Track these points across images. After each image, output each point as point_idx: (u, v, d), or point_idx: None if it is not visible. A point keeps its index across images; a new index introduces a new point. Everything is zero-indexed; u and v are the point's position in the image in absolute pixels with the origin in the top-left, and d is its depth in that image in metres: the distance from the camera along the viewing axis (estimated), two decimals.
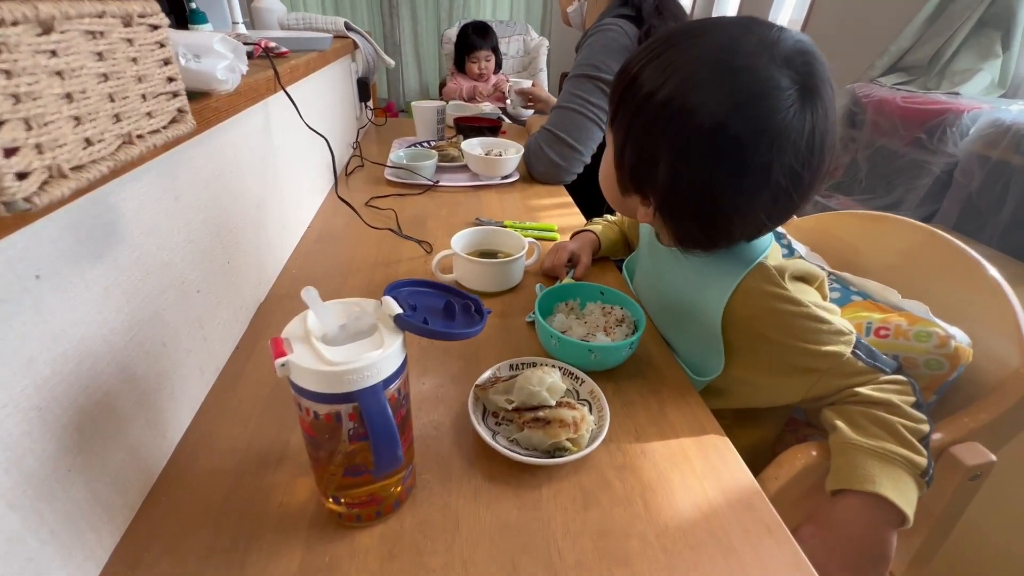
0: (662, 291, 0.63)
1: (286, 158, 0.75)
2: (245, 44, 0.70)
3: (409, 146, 1.22)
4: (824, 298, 0.54)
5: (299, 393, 0.31)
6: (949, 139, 1.72)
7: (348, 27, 1.22)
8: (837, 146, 0.45)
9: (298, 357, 0.30)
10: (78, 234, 0.33)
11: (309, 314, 0.33)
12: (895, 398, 0.47)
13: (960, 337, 0.52)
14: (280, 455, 0.44)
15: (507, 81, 2.03)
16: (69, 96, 0.24)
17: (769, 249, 0.52)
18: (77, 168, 0.24)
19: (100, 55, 0.26)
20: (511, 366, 0.52)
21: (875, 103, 1.96)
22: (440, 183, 1.05)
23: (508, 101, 1.71)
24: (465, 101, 2.05)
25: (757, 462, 0.61)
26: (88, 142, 0.25)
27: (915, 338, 0.53)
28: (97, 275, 0.35)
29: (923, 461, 0.44)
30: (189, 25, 0.95)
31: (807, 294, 0.51)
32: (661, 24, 0.99)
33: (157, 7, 0.31)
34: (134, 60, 0.29)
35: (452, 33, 2.22)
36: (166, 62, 0.32)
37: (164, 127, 0.32)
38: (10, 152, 0.21)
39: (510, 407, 0.46)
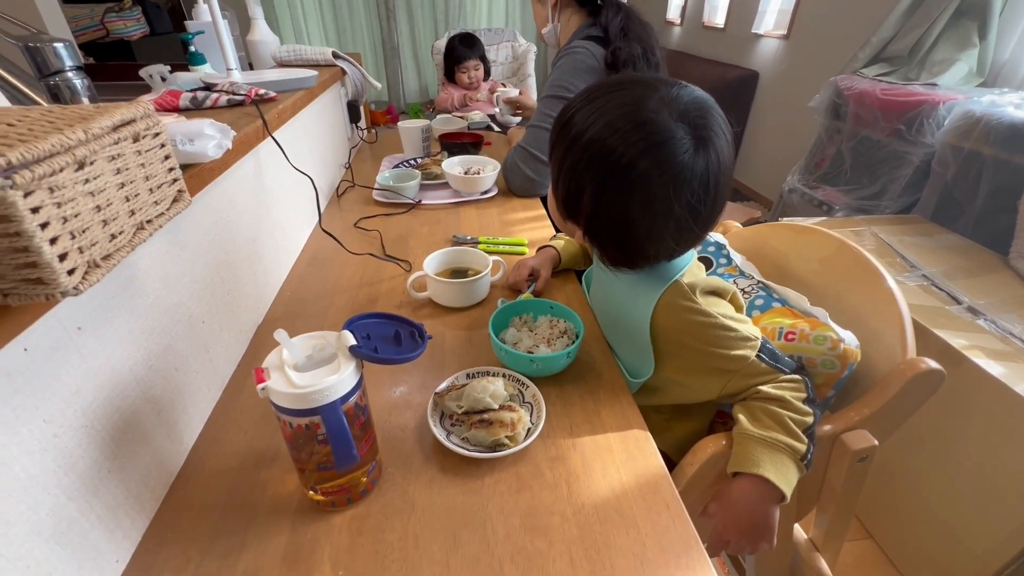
0: (606, 303, 0.72)
1: (277, 194, 0.85)
2: (236, 95, 0.80)
3: (396, 165, 1.31)
4: (739, 308, 0.63)
5: (277, 409, 0.41)
6: (927, 130, 1.75)
7: (336, 55, 1.31)
8: (730, 186, 0.53)
9: (274, 383, 0.40)
10: (107, 293, 0.43)
11: (283, 348, 0.42)
12: (788, 395, 0.56)
13: (849, 340, 0.60)
14: (273, 455, 0.54)
15: (499, 86, 2.12)
16: (98, 207, 0.34)
17: (687, 267, 0.61)
18: (107, 257, 0.34)
19: (118, 170, 0.36)
20: (467, 375, 0.62)
21: (856, 95, 2.00)
22: (423, 202, 1.14)
23: (497, 109, 1.80)
24: (458, 109, 2.14)
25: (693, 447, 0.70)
26: (113, 236, 0.35)
27: (814, 341, 0.61)
28: (122, 321, 0.45)
29: (802, 447, 0.53)
30: (190, 67, 1.06)
31: (718, 306, 0.59)
32: (626, 46, 1.06)
33: (158, 118, 0.40)
34: (143, 165, 0.38)
35: (441, 44, 2.30)
36: (166, 157, 0.42)
37: (167, 209, 0.41)
38: (62, 257, 0.31)
39: (460, 411, 0.55)
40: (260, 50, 1.27)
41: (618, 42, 1.06)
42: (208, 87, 0.82)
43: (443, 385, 0.60)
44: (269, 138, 0.77)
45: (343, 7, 3.93)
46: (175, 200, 0.43)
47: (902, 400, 0.56)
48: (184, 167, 0.51)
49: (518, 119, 1.82)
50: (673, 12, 3.75)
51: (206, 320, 0.59)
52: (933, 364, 0.55)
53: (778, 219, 2.36)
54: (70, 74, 0.75)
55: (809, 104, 2.19)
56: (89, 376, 0.41)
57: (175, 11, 3.49)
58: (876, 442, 0.56)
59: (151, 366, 0.48)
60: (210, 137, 0.50)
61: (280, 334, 0.41)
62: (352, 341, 0.43)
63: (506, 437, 0.53)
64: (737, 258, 0.78)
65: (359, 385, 0.43)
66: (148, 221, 0.39)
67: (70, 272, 0.31)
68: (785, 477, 0.52)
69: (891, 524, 1.17)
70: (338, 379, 0.40)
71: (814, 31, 2.60)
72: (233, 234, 0.68)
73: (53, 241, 0.30)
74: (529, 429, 0.55)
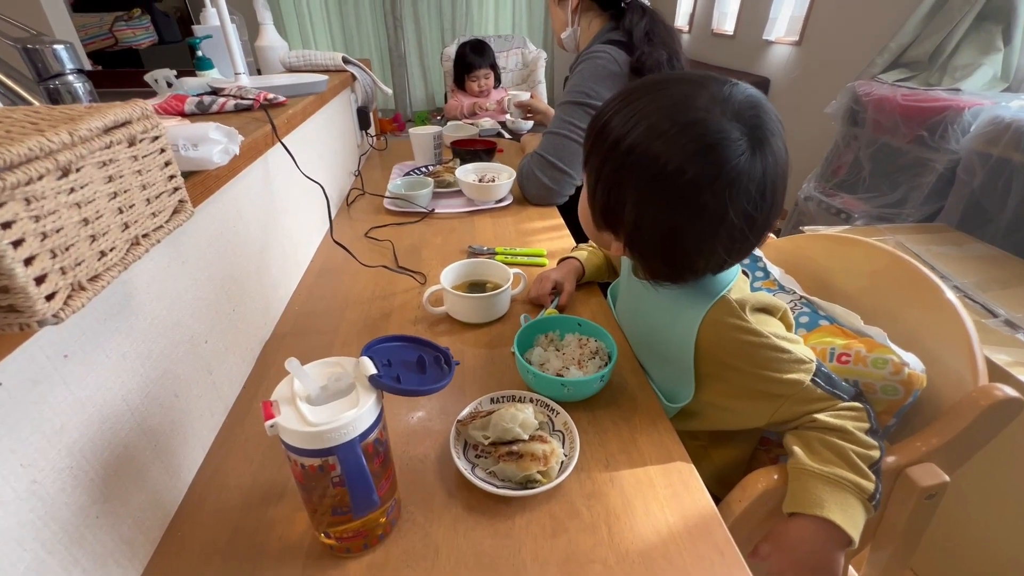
0: (638, 321, 0.67)
1: (287, 202, 0.80)
2: (243, 99, 0.76)
3: (407, 173, 1.27)
4: (789, 327, 0.58)
5: (287, 448, 0.36)
6: (951, 136, 1.70)
7: (346, 60, 1.28)
8: (786, 190, 0.49)
9: (284, 419, 0.35)
10: (98, 315, 0.38)
11: (295, 378, 0.37)
12: (850, 424, 0.50)
13: (914, 364, 0.55)
14: (281, 490, 0.49)
15: (507, 94, 2.08)
16: (85, 220, 0.29)
17: (734, 282, 0.56)
18: (95, 278, 0.30)
19: (110, 178, 0.31)
20: (492, 399, 0.57)
21: (875, 101, 1.95)
22: (436, 210, 1.10)
23: (508, 115, 1.76)
24: (467, 116, 2.10)
25: (732, 478, 0.64)
26: (102, 253, 0.30)
27: (873, 364, 0.55)
28: (115, 345, 0.40)
29: (870, 486, 0.47)
30: (197, 72, 1.02)
31: (768, 325, 0.54)
32: (651, 51, 1.02)
33: (157, 119, 0.36)
34: (139, 172, 0.34)
35: (451, 51, 2.27)
36: (167, 163, 0.37)
37: (167, 221, 0.37)
38: (40, 280, 0.26)
39: (487, 442, 0.50)
40: (269, 55, 1.23)
41: (643, 47, 1.02)
42: (215, 91, 0.79)
43: (466, 411, 0.55)
44: (278, 144, 0.73)
45: (350, 15, 3.93)
46: (176, 211, 0.39)
47: (975, 431, 0.51)
48: (186, 175, 0.47)
49: (530, 124, 1.78)
50: (681, 19, 3.72)
51: (209, 340, 0.54)
52: (1011, 392, 0.50)
53: (795, 227, 2.31)
54: (70, 77, 0.71)
55: (825, 110, 2.14)
56: (76, 409, 0.36)
57: (184, 20, 3.50)
58: (947, 478, 0.51)
59: (147, 394, 0.44)
60: (215, 142, 0.46)
61: (292, 363, 0.36)
62: (372, 370, 0.38)
63: (538, 472, 0.47)
64: (775, 271, 0.73)
65: (379, 419, 0.39)
66: (144, 235, 0.34)
67: (49, 297, 0.26)
68: (852, 519, 0.46)
69: (936, 556, 1.10)
70: (357, 414, 0.35)
71: (827, 37, 2.56)
72: (239, 246, 0.63)
73: (28, 261, 0.25)
74: (562, 462, 0.50)
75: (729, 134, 0.44)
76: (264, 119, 0.71)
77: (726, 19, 3.24)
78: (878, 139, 1.99)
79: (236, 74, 0.90)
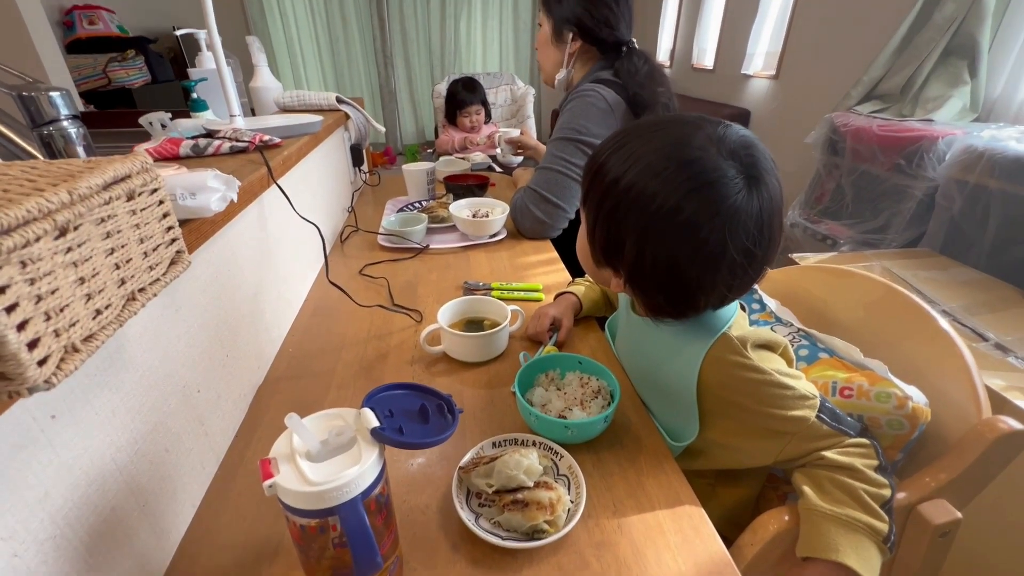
0: (639, 357, 0.66)
1: (281, 243, 0.80)
2: (239, 141, 0.76)
3: (401, 208, 1.28)
4: (790, 363, 0.57)
5: (286, 509, 0.34)
6: (927, 164, 1.76)
7: (339, 100, 1.30)
8: (784, 227, 0.49)
9: (283, 479, 0.33)
10: (88, 370, 0.37)
11: (293, 433, 0.36)
12: (858, 462, 0.50)
13: (917, 397, 0.54)
14: (275, 548, 0.46)
15: (498, 131, 2.13)
16: (82, 279, 0.28)
17: (733, 319, 0.56)
18: (89, 338, 0.28)
19: (108, 234, 0.31)
20: (493, 443, 0.55)
21: (853, 131, 2.03)
22: (430, 246, 1.10)
23: (498, 150, 1.79)
24: (458, 151, 2.14)
25: (742, 518, 0.63)
26: (98, 312, 0.29)
27: (876, 399, 0.55)
28: (104, 401, 0.38)
29: (884, 527, 0.46)
30: (191, 114, 1.03)
31: (770, 361, 0.54)
32: (649, 91, 1.05)
33: (156, 171, 0.36)
34: (137, 226, 0.33)
35: (442, 88, 2.33)
36: (165, 215, 0.37)
37: (164, 273, 0.36)
38: (32, 344, 0.25)
39: (491, 490, 0.48)
40: (263, 96, 1.25)
41: (640, 88, 1.06)
42: (210, 134, 0.79)
43: (467, 457, 0.53)
44: (274, 186, 0.73)
45: (342, 54, 4.03)
46: (173, 262, 0.38)
47: (983, 465, 0.50)
48: (182, 222, 0.46)
49: (520, 158, 1.81)
50: (663, 55, 3.87)
51: (202, 388, 0.53)
52: (1016, 424, 0.49)
53: (783, 253, 2.35)
54: (65, 123, 0.71)
55: (806, 140, 2.21)
56: (62, 473, 0.34)
57: (177, 60, 3.56)
58: (959, 515, 0.50)
59: (137, 451, 0.42)
60: (214, 190, 0.45)
61: (292, 419, 0.35)
62: (375, 422, 0.37)
63: (545, 521, 0.46)
64: (771, 303, 0.73)
65: (382, 473, 0.37)
66: (141, 290, 0.33)
67: (42, 362, 0.25)
68: (868, 563, 0.45)
69: None
70: (360, 471, 0.34)
71: (802, 71, 2.67)
72: (234, 289, 0.62)
73: (22, 326, 0.24)
74: (569, 509, 0.48)
75: (725, 172, 0.45)
76: (259, 161, 0.71)
77: (705, 54, 3.37)
78: (858, 167, 2.05)
79: (231, 116, 0.90)
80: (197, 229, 0.49)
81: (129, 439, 0.41)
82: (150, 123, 0.85)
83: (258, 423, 0.61)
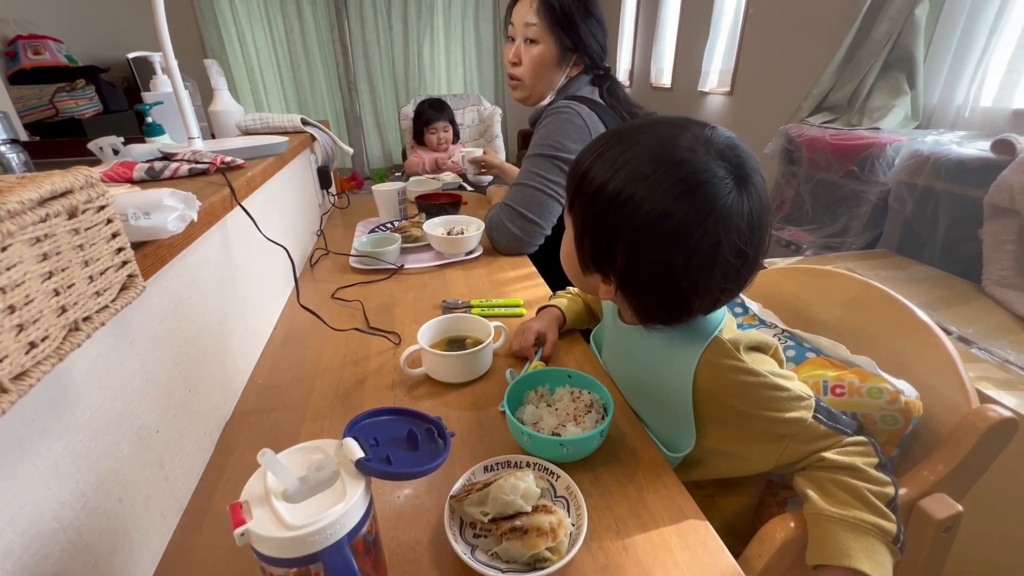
0: (629, 366, 0.65)
1: (247, 268, 0.75)
2: (199, 163, 0.72)
3: (372, 230, 1.24)
4: (780, 364, 0.57)
5: (261, 559, 0.30)
6: (878, 169, 1.85)
7: (304, 122, 1.27)
8: (771, 226, 0.49)
9: (257, 524, 0.29)
10: (23, 415, 0.32)
11: (267, 472, 0.32)
12: (859, 461, 0.49)
13: (908, 391, 0.55)
14: None
15: (462, 149, 2.12)
16: (11, 308, 0.24)
17: (723, 322, 0.55)
18: (20, 376, 0.25)
19: (45, 255, 0.27)
20: (485, 468, 0.52)
21: (807, 141, 2.12)
22: (405, 266, 1.07)
23: (465, 168, 1.78)
24: (428, 172, 2.12)
25: (743, 527, 0.61)
26: (32, 345, 0.26)
27: (868, 395, 0.55)
28: (45, 450, 0.34)
29: (893, 527, 0.45)
30: (146, 139, 0.98)
31: (764, 363, 0.53)
32: (625, 107, 1.08)
33: (103, 188, 0.32)
34: (80, 247, 0.30)
35: (408, 110, 2.32)
36: (114, 235, 0.33)
37: (113, 300, 0.32)
38: None
39: (486, 519, 0.45)
40: (224, 120, 1.21)
41: (630, 108, 1.10)
42: (167, 156, 0.75)
43: (458, 485, 0.49)
44: (237, 208, 0.69)
45: (304, 80, 4.00)
46: (124, 287, 0.34)
47: (978, 455, 0.50)
48: (136, 245, 0.42)
49: (488, 179, 1.80)
50: (622, 75, 4.00)
51: (161, 429, 0.48)
52: (1005, 412, 0.50)
53: None
54: (2, 148, 0.66)
55: (764, 151, 2.30)
56: None
57: (131, 89, 3.44)
58: (960, 508, 0.49)
59: (84, 504, 0.37)
60: (171, 208, 0.42)
61: (265, 455, 0.31)
62: (359, 453, 0.33)
63: (547, 549, 0.43)
64: (753, 306, 0.74)
65: (369, 509, 0.34)
66: (86, 318, 0.30)
67: None
68: (881, 566, 0.44)
69: None
70: (344, 509, 0.30)
71: (754, 87, 2.80)
72: (195, 318, 0.58)
73: None
74: (571, 533, 0.45)
75: (715, 172, 0.45)
76: (222, 183, 0.67)
77: (663, 74, 3.50)
78: (814, 175, 2.14)
79: (190, 139, 0.86)
80: (153, 253, 0.45)
81: (75, 492, 0.36)
82: (100, 148, 0.80)
83: (226, 463, 0.56)
